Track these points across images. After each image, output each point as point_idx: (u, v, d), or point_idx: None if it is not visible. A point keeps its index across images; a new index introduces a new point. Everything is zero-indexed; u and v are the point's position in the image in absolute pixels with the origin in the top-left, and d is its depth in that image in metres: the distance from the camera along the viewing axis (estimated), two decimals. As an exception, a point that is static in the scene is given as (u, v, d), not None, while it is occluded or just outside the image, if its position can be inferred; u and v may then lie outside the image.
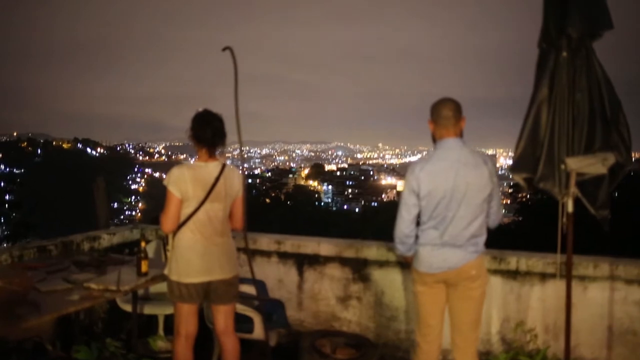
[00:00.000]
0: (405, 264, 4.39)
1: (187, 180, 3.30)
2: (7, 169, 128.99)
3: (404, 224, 3.34)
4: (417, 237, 3.35)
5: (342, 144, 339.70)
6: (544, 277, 4.14)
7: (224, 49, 3.63)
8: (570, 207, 3.40)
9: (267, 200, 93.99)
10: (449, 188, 3.18)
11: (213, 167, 3.40)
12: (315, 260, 4.81)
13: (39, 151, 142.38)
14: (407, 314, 4.49)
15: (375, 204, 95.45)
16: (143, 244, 3.72)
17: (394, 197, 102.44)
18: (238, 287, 3.63)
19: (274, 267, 4.93)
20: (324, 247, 4.76)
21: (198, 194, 3.33)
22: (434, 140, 3.38)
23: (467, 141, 3.34)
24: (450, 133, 3.28)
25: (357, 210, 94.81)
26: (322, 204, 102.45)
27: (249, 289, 4.13)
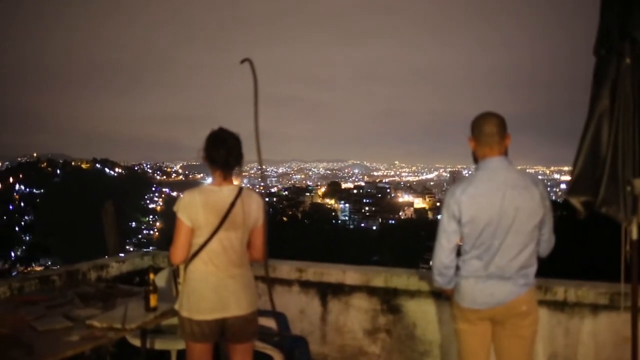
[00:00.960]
0: (439, 294, 4.00)
1: (199, 206, 2.98)
2: (27, 190, 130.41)
3: (443, 254, 2.96)
4: (458, 268, 2.97)
5: (358, 162, 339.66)
6: (595, 308, 3.71)
7: (243, 61, 3.30)
8: (634, 234, 2.99)
9: (284, 219, 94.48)
10: (494, 213, 2.81)
11: (228, 192, 3.06)
12: (339, 290, 4.42)
13: (58, 171, 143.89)
14: (442, 349, 4.08)
15: (393, 222, 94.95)
16: (152, 276, 3.37)
17: (411, 215, 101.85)
18: (257, 323, 3.26)
19: (295, 297, 4.56)
20: (350, 275, 4.38)
21: (211, 222, 2.99)
22: (475, 160, 3.01)
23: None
24: (495, 152, 2.91)
25: (374, 228, 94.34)
26: (339, 222, 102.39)
27: (268, 322, 3.76)
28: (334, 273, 4.42)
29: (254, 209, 3.12)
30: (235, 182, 3.14)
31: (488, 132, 2.90)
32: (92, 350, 4.31)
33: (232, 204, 3.02)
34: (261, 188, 3.46)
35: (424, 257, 65.79)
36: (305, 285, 4.52)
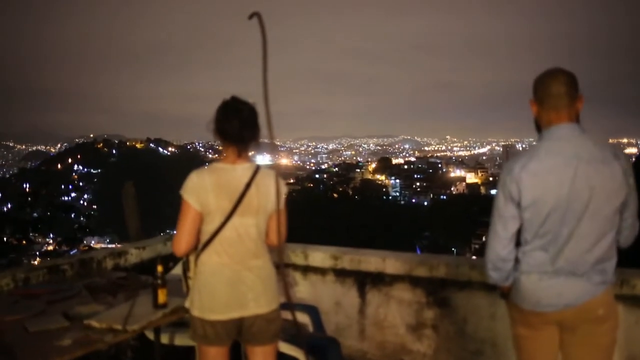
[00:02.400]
0: (494, 286, 3.48)
1: (209, 187, 2.56)
2: (85, 169, 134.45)
3: (499, 244, 2.42)
4: (517, 260, 2.44)
5: (409, 137, 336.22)
6: (683, 304, 3.12)
7: (251, 16, 2.78)
8: None
9: (335, 195, 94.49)
10: (563, 194, 2.25)
11: (242, 171, 2.63)
12: (379, 280, 3.93)
13: (114, 151, 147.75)
14: (497, 349, 3.55)
15: (444, 197, 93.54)
16: (160, 268, 2.95)
17: (463, 190, 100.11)
18: (280, 323, 2.81)
19: (330, 287, 4.09)
20: (390, 263, 3.88)
21: (223, 206, 2.57)
22: (539, 128, 2.45)
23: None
24: (563, 117, 2.34)
25: (425, 203, 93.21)
26: (390, 198, 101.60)
27: (298, 318, 3.31)
28: (372, 261, 3.93)
29: (272, 192, 2.66)
30: (250, 159, 2.71)
31: (555, 93, 2.33)
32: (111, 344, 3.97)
33: (248, 186, 2.59)
34: (280, 164, 2.96)
35: (476, 232, 64.95)
36: (341, 274, 4.04)
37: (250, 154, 2.70)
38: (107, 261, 4.10)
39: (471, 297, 3.63)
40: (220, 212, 2.57)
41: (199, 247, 2.66)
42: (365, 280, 3.98)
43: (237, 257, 2.63)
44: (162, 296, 2.93)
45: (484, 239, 64.52)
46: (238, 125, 2.58)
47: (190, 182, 2.57)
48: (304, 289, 4.14)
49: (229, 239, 2.60)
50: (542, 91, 2.38)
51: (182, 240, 2.60)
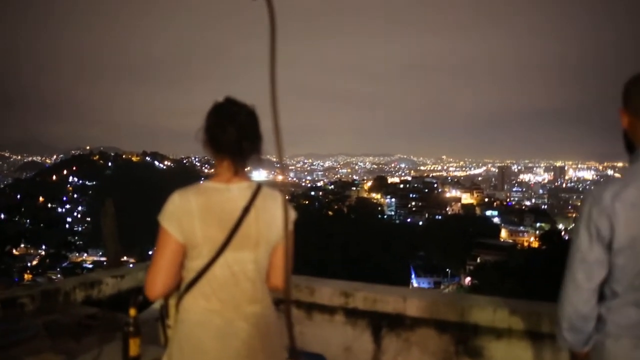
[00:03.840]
0: (540, 335, 2.88)
1: (195, 212, 1.99)
2: (80, 181, 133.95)
3: (579, 297, 1.83)
4: (600, 319, 1.84)
5: (405, 157, 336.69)
6: None
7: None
8: None
9: (330, 213, 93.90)
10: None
11: (239, 192, 2.07)
12: (398, 323, 3.31)
13: (109, 164, 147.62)
14: (542, 412, 2.94)
15: (440, 217, 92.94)
16: (132, 311, 2.35)
17: (458, 211, 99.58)
18: None
19: (339, 329, 3.46)
20: (412, 303, 3.26)
21: (213, 236, 2.00)
22: (630, 145, 1.88)
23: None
24: (667, 132, 1.76)
25: (420, 223, 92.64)
26: (385, 216, 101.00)
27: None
28: (391, 300, 3.30)
29: (277, 219, 2.10)
30: (250, 177, 2.16)
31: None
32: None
33: (246, 211, 2.04)
34: (287, 182, 2.28)
35: (471, 253, 64.30)
36: (353, 314, 3.41)
37: (248, 170, 2.17)
38: (76, 293, 3.47)
39: (512, 348, 3.01)
40: (209, 245, 2.00)
41: (181, 288, 2.05)
42: (381, 323, 3.35)
43: (230, 302, 2.05)
44: (134, 347, 2.33)
45: (478, 260, 64.22)
46: (234, 134, 2.05)
47: (171, 206, 2.01)
48: (308, 330, 3.51)
49: (220, 279, 2.03)
50: (637, 99, 1.81)
51: (157, 279, 2.00)
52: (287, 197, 2.03)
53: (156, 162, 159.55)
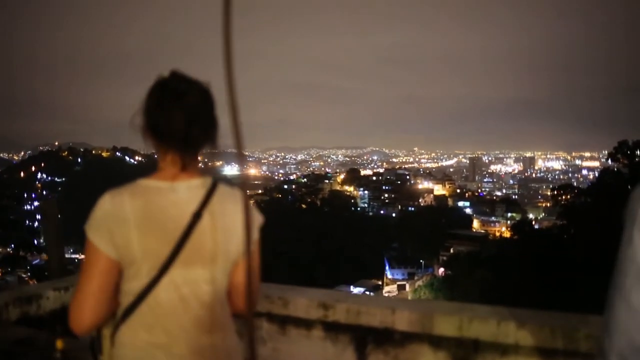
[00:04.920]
0: (554, 352, 2.47)
1: (130, 220, 1.56)
2: (49, 178, 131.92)
3: (632, 321, 1.41)
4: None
5: (377, 149, 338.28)
6: None
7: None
8: None
9: (303, 206, 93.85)
10: None
11: (188, 193, 1.64)
12: (386, 338, 2.87)
13: (79, 160, 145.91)
14: None
15: (413, 209, 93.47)
16: (59, 343, 1.87)
17: (431, 202, 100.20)
18: None
19: (317, 345, 3.01)
20: (402, 316, 2.82)
21: (155, 251, 1.58)
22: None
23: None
24: None
25: (393, 215, 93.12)
26: (359, 209, 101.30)
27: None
28: (377, 313, 2.86)
29: (238, 223, 1.64)
30: (200, 172, 1.71)
31: None
32: None
33: (197, 216, 1.60)
34: (247, 176, 1.71)
35: (444, 244, 64.72)
36: (334, 328, 2.96)
37: (200, 164, 1.71)
38: (9, 310, 2.94)
39: (519, 367, 2.60)
40: (150, 261, 1.58)
41: (117, 316, 1.62)
42: (366, 338, 2.91)
43: (180, 333, 1.61)
44: (62, 389, 1.85)
45: (451, 250, 64.62)
46: (181, 119, 1.60)
47: (99, 212, 1.59)
48: (282, 347, 3.06)
49: (166, 305, 1.60)
50: None
51: (85, 308, 1.56)
52: (248, 195, 1.45)
53: (127, 158, 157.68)
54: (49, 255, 3.58)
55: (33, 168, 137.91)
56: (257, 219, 1.74)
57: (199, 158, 1.68)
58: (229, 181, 1.70)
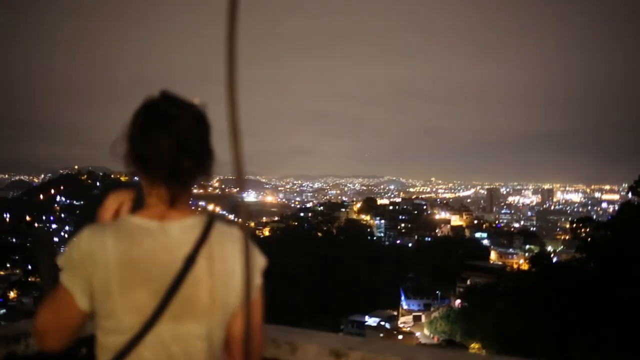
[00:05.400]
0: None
1: (112, 265, 1.36)
2: (68, 201, 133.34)
3: None
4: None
5: (394, 178, 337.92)
6: None
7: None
8: None
9: (319, 234, 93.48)
10: None
11: (180, 234, 1.42)
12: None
13: (97, 184, 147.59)
14: None
15: (429, 239, 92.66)
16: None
17: (448, 232, 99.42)
18: None
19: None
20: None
21: (139, 303, 1.37)
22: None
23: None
24: None
25: (410, 245, 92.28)
26: (375, 238, 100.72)
27: None
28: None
29: (238, 268, 1.43)
30: (193, 208, 1.55)
31: None
32: None
33: (190, 262, 1.39)
34: (247, 209, 1.33)
35: (461, 275, 63.87)
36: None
37: (190, 200, 1.52)
38: None
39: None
40: (133, 315, 1.36)
41: None
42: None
43: None
44: None
45: (468, 282, 63.70)
46: (170, 147, 1.38)
47: (76, 251, 1.38)
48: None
49: None
50: None
51: (46, 337, 1.42)
52: (248, 234, 1.18)
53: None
54: (43, 290, 3.49)
55: (52, 191, 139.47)
56: (260, 261, 1.50)
57: (191, 192, 1.49)
58: (231, 216, 1.58)
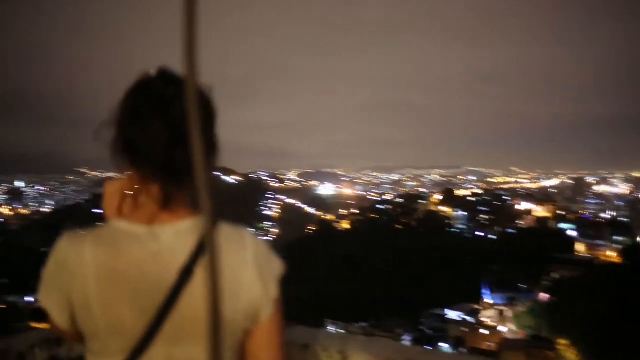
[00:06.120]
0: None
1: (91, 278, 1.13)
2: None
3: None
4: None
5: (474, 169, 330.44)
6: None
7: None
8: None
9: (398, 226, 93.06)
10: None
11: (174, 240, 1.16)
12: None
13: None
14: None
15: (511, 231, 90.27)
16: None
17: (531, 224, 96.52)
18: None
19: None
20: None
21: (126, 323, 1.13)
22: None
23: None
24: None
25: (491, 237, 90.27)
26: (455, 230, 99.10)
27: None
28: None
29: (247, 277, 1.19)
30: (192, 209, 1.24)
31: None
32: None
33: (185, 273, 1.13)
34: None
35: (546, 268, 61.89)
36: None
37: (188, 198, 1.20)
38: (35, 354, 2.56)
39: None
40: (120, 337, 1.13)
41: None
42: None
43: None
44: None
45: (555, 275, 61.68)
46: (164, 135, 1.13)
47: (52, 264, 1.18)
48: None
49: None
50: None
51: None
52: (262, 236, 1.10)
53: (224, 177, 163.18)
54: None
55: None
56: (275, 267, 1.23)
57: (189, 190, 1.18)
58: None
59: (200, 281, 1.11)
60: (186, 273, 1.11)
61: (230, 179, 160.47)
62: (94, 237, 1.16)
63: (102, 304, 1.11)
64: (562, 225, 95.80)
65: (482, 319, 57.70)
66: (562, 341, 43.48)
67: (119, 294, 1.11)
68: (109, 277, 1.12)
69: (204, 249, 1.05)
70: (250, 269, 1.17)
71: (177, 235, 1.15)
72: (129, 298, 1.12)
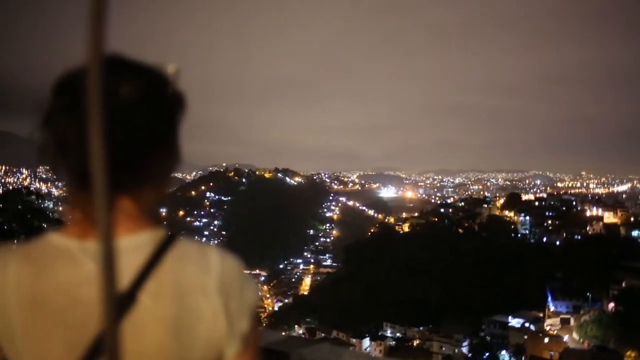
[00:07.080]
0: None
1: (11, 303, 0.90)
2: (217, 197, 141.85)
3: None
4: None
5: (540, 173, 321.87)
6: None
7: None
8: None
9: (460, 230, 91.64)
10: None
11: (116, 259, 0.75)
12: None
13: (244, 180, 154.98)
14: None
15: (579, 237, 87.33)
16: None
17: (600, 230, 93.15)
18: None
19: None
20: None
21: (54, 358, 0.89)
22: None
23: None
24: None
25: (557, 243, 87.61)
26: (519, 235, 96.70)
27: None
28: None
29: (209, 307, 0.93)
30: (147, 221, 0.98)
31: None
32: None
33: (127, 301, 0.88)
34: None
35: (615, 277, 59.61)
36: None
37: (143, 207, 0.96)
38: None
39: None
40: None
41: None
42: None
43: None
44: None
45: (624, 284, 59.40)
46: (84, 136, 0.68)
47: None
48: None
49: None
50: None
51: None
52: (227, 254, 0.98)
53: (287, 179, 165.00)
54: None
55: (202, 187, 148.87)
56: (247, 296, 0.99)
57: (149, 196, 0.97)
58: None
59: (146, 310, 0.89)
60: (127, 300, 0.88)
61: (291, 181, 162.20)
62: (22, 254, 0.93)
63: (26, 336, 0.89)
64: (634, 233, 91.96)
65: (545, 327, 56.18)
66: (631, 353, 41.92)
67: (46, 324, 0.89)
68: (35, 304, 0.89)
69: (152, 269, 0.90)
70: (212, 298, 0.93)
71: (122, 252, 0.87)
72: (58, 330, 0.89)
